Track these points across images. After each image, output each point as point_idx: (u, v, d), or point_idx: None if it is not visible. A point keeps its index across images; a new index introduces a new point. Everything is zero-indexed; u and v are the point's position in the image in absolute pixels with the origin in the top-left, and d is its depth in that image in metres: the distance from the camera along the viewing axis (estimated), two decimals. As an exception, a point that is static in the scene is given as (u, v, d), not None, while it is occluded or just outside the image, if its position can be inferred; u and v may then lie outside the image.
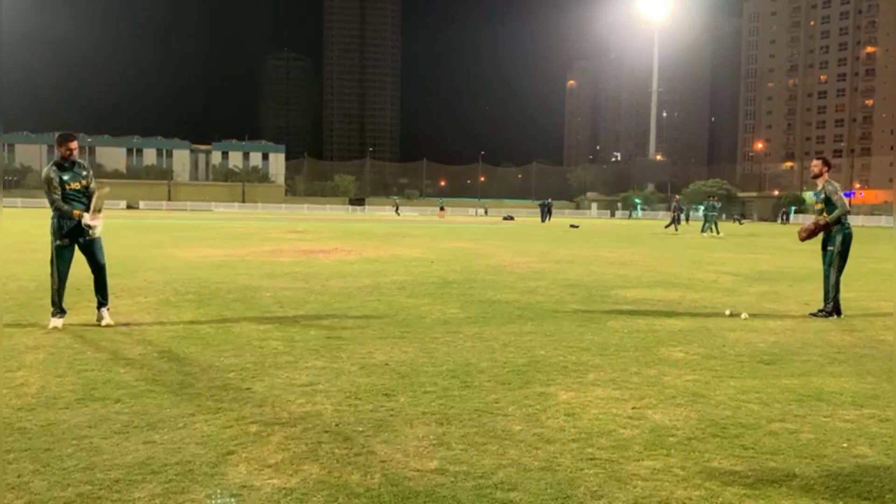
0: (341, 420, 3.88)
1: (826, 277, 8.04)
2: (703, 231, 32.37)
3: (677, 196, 62.45)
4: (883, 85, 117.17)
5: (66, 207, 6.46)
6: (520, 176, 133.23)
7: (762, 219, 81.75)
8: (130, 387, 4.48)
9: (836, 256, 7.93)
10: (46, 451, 3.32)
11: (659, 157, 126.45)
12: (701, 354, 5.78)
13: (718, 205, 35.06)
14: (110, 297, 7.00)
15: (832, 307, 7.91)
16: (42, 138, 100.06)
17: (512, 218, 60.42)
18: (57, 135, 6.55)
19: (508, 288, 10.05)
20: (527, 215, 74.48)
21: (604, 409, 4.18)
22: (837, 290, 7.94)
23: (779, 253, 19.50)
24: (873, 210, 79.52)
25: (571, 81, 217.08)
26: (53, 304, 6.51)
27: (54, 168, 6.53)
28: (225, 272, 11.46)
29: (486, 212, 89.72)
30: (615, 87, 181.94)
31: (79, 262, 6.69)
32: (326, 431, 3.68)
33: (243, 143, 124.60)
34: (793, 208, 76.36)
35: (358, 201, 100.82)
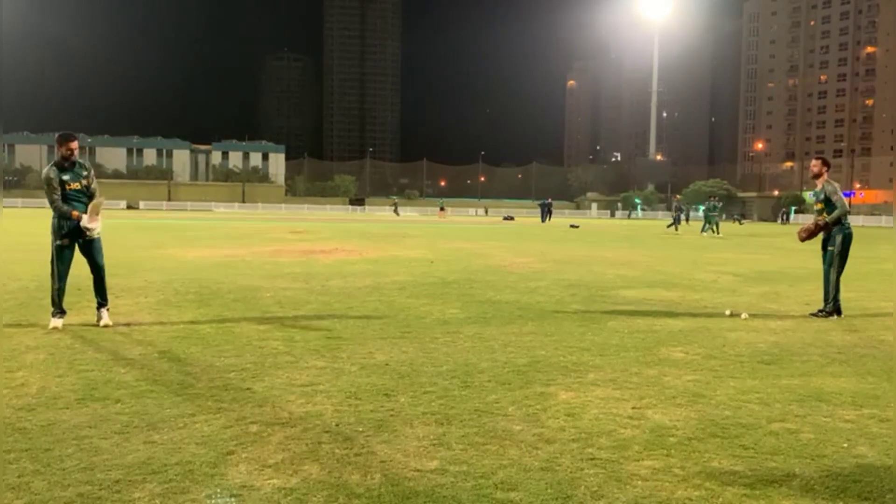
0: (341, 420, 3.88)
1: (826, 277, 8.04)
2: (703, 231, 32.39)
3: (678, 196, 62.46)
4: (883, 85, 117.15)
5: (65, 208, 6.46)
6: (520, 176, 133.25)
7: (762, 219, 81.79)
8: (131, 387, 4.49)
9: (837, 256, 7.93)
10: (47, 452, 3.32)
11: (659, 157, 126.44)
12: (701, 354, 5.78)
13: (720, 205, 35.08)
14: (110, 298, 7.00)
15: (832, 307, 7.91)
16: (42, 138, 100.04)
17: (512, 218, 60.42)
18: (57, 135, 6.54)
19: (509, 288, 10.05)
20: (527, 215, 74.47)
21: (604, 409, 4.18)
22: (837, 291, 7.94)
23: (779, 253, 19.51)
24: (873, 210, 79.57)
25: (571, 81, 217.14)
26: (54, 304, 6.51)
27: (54, 168, 6.53)
28: (225, 272, 11.46)
29: (486, 212, 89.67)
30: (615, 87, 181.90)
31: (79, 262, 6.69)
32: (326, 431, 3.68)
33: (243, 143, 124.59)
34: (793, 208, 76.38)
35: (358, 201, 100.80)
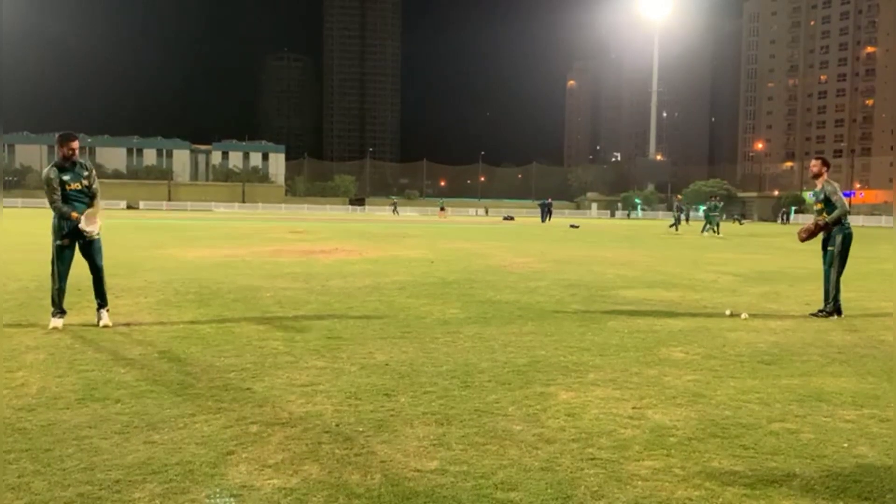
0: (341, 420, 3.88)
1: (826, 277, 8.04)
2: (703, 231, 32.40)
3: (679, 196, 62.47)
4: (883, 85, 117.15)
5: (64, 209, 6.46)
6: (520, 176, 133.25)
7: (762, 219, 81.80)
8: (131, 387, 4.49)
9: (837, 256, 7.93)
10: (47, 452, 3.32)
11: (659, 157, 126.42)
12: (701, 354, 5.78)
13: (721, 204, 35.09)
14: (111, 298, 7.00)
15: (832, 307, 7.91)
16: (42, 138, 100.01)
17: (512, 218, 60.43)
18: (57, 135, 6.53)
19: (509, 288, 10.05)
20: (527, 215, 74.47)
21: (604, 409, 4.18)
22: (838, 291, 7.94)
23: (779, 253, 19.51)
24: (873, 210, 79.57)
25: (571, 81, 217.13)
26: (54, 304, 6.51)
27: (54, 169, 6.53)
28: (225, 272, 11.46)
29: (486, 212, 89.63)
30: (615, 87, 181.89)
31: (80, 262, 6.69)
32: (327, 432, 3.68)
33: (243, 143, 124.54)
34: (793, 208, 76.40)
35: (358, 201, 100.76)
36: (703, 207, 38.43)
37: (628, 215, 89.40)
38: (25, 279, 9.72)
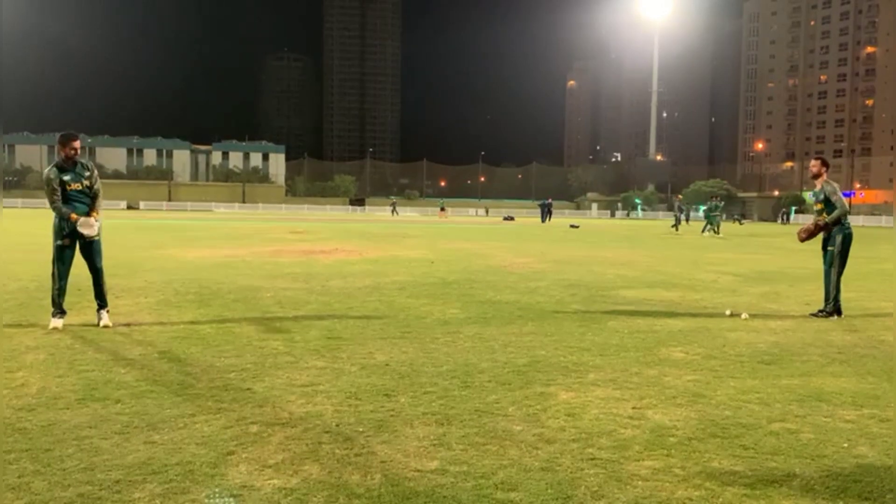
0: (342, 420, 3.88)
1: (826, 277, 8.04)
2: (703, 231, 32.41)
3: (680, 196, 62.52)
4: (883, 85, 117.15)
5: (63, 210, 6.46)
6: (520, 176, 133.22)
7: (762, 219, 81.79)
8: (131, 387, 4.49)
9: (837, 256, 7.93)
10: (47, 452, 3.33)
11: (659, 158, 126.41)
12: (701, 355, 5.78)
13: (722, 204, 35.10)
14: (111, 298, 7.01)
15: (832, 307, 7.91)
16: (42, 139, 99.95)
17: (512, 218, 60.42)
18: (59, 136, 6.52)
19: (509, 288, 10.05)
20: (527, 216, 74.47)
21: (604, 409, 4.18)
22: (838, 291, 7.94)
23: (779, 253, 19.51)
24: (873, 210, 79.58)
25: (571, 81, 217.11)
26: (54, 304, 6.51)
27: (54, 169, 6.53)
28: (225, 272, 11.46)
29: (487, 212, 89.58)
30: (615, 87, 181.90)
31: (80, 262, 6.69)
32: (327, 432, 3.68)
33: (243, 143, 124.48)
34: (793, 208, 76.38)
35: (358, 202, 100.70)
36: (703, 208, 38.41)
37: (627, 215, 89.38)
38: (25, 279, 9.72)
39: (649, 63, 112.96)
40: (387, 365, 5.21)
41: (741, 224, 55.39)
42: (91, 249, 6.66)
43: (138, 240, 20.19)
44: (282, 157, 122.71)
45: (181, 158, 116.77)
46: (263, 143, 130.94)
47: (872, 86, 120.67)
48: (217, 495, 2.89)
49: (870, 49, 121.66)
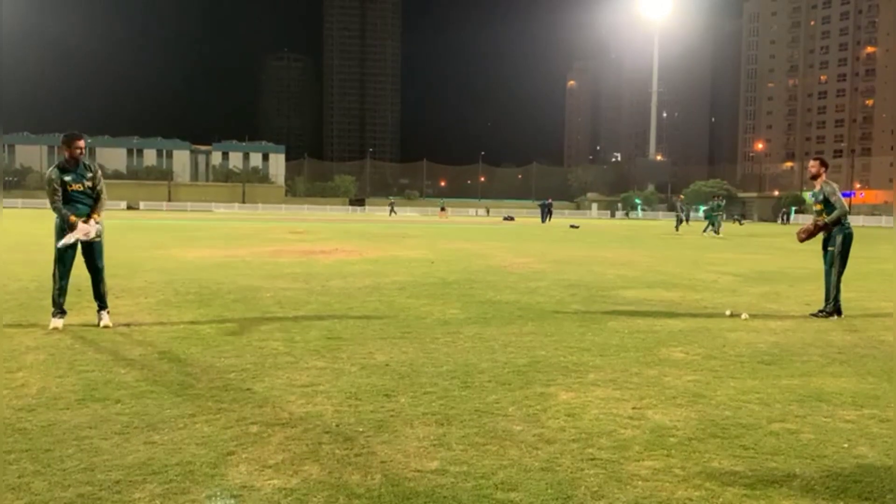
0: (342, 420, 3.88)
1: (827, 278, 8.04)
2: (704, 231, 32.42)
3: (681, 196, 62.51)
4: (883, 85, 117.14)
5: (63, 211, 6.45)
6: (520, 176, 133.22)
7: (762, 219, 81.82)
8: (131, 387, 4.49)
9: (837, 257, 7.93)
10: (47, 452, 3.33)
11: (659, 158, 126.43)
12: (701, 355, 5.78)
13: (723, 203, 35.12)
14: (111, 298, 7.01)
15: (833, 307, 7.91)
16: (42, 139, 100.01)
17: (512, 218, 60.43)
18: (63, 136, 6.50)
19: (509, 288, 10.05)
20: (527, 216, 74.47)
21: (604, 409, 4.18)
22: (838, 291, 7.94)
23: (779, 253, 19.51)
24: (873, 210, 79.59)
25: (571, 81, 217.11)
26: (54, 304, 6.51)
27: (56, 170, 6.52)
28: (225, 272, 11.46)
29: (487, 212, 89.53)
30: (615, 87, 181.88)
31: (81, 262, 6.69)
32: (327, 432, 3.68)
33: (243, 143, 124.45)
34: (793, 208, 76.40)
35: (358, 202, 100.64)
36: (703, 208, 38.42)
37: (627, 215, 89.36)
38: (25, 279, 9.72)
39: (649, 63, 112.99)
40: (387, 365, 5.21)
41: (741, 224, 55.40)
42: (92, 250, 6.66)
43: (138, 240, 20.20)
44: (282, 157, 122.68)
45: (181, 159, 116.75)
46: (263, 143, 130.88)
47: (872, 86, 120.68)
48: (217, 496, 2.89)
49: (870, 49, 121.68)
